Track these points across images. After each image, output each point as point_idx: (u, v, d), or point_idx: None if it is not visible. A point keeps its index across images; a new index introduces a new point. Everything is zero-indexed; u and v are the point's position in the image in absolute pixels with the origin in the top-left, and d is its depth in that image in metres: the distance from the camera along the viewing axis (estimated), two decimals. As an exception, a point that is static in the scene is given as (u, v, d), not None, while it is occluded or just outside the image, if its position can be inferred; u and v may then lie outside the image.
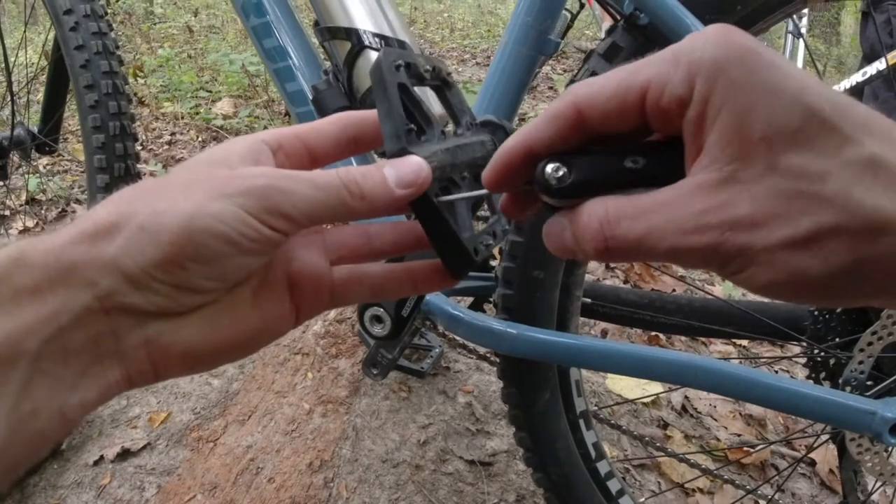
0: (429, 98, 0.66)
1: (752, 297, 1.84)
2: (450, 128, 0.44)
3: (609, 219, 0.25)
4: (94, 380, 0.26)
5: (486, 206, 0.46)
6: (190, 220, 0.26)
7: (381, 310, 0.73)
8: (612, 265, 1.90)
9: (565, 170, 0.27)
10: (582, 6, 2.56)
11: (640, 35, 0.63)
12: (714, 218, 0.23)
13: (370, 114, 0.35)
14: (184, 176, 0.28)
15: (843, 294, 0.23)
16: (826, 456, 1.27)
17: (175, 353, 0.28)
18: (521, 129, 0.29)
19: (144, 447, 1.23)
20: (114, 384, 0.27)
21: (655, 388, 1.39)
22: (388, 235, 0.37)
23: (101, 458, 1.20)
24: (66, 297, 0.25)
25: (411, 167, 0.30)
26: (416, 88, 0.36)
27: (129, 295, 0.26)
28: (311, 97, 0.80)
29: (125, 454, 1.21)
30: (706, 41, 0.24)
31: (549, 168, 0.27)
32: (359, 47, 0.76)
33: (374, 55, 0.76)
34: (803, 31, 3.04)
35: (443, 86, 0.41)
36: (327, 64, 0.83)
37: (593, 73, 0.66)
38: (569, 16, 3.66)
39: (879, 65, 2.03)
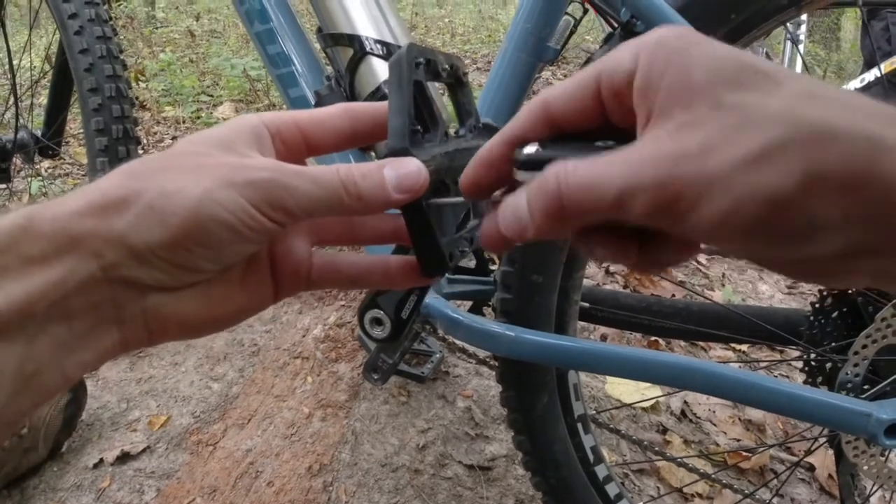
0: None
1: (750, 302, 1.84)
2: (453, 128, 0.44)
3: (567, 169, 0.25)
4: (94, 343, 0.28)
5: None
6: (198, 206, 0.27)
7: (381, 312, 0.74)
8: (611, 271, 1.91)
9: (538, 147, 0.29)
10: (585, 11, 2.58)
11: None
12: (666, 152, 0.23)
13: (370, 107, 0.36)
14: (191, 158, 0.29)
15: (802, 235, 0.22)
16: (825, 461, 1.27)
17: (171, 323, 0.30)
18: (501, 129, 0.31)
19: (144, 450, 1.23)
20: (111, 347, 0.29)
21: (654, 392, 1.40)
22: (369, 225, 0.38)
23: (101, 461, 1.20)
24: (73, 266, 0.26)
25: (411, 172, 0.31)
26: (430, 84, 0.36)
27: (133, 269, 0.27)
28: (313, 102, 0.80)
29: (125, 457, 1.22)
30: (652, 32, 0.26)
31: (525, 148, 0.29)
32: (361, 53, 0.77)
33: (375, 62, 0.77)
34: (802, 37, 3.07)
35: (456, 84, 0.42)
36: (329, 70, 0.84)
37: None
38: (572, 21, 3.68)
39: (878, 71, 2.04)
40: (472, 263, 0.99)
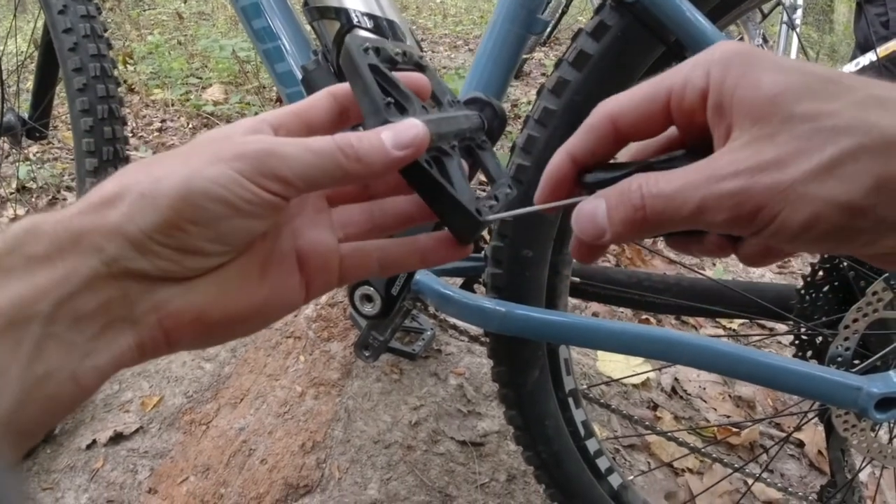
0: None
1: (739, 277, 1.84)
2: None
3: (648, 181, 0.27)
4: (107, 345, 0.27)
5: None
6: (187, 184, 0.27)
7: (371, 289, 0.74)
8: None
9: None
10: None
11: (627, 13, 0.63)
12: (742, 165, 0.24)
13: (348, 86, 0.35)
14: (183, 149, 0.29)
15: (873, 230, 0.24)
16: (814, 437, 1.29)
17: (186, 319, 0.29)
18: (563, 144, 0.32)
19: (137, 431, 1.24)
20: (126, 351, 0.28)
21: (645, 369, 1.40)
22: (391, 211, 0.38)
23: (94, 441, 1.21)
24: (76, 263, 0.26)
25: (409, 128, 0.31)
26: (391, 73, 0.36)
27: (135, 259, 0.27)
28: (300, 77, 0.79)
29: (118, 438, 1.22)
30: (716, 48, 0.27)
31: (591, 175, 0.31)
32: (348, 27, 0.76)
33: (363, 34, 0.76)
34: (798, 21, 3.06)
35: (416, 70, 0.41)
36: (317, 44, 0.83)
37: (581, 52, 0.66)
38: (563, 1, 3.65)
39: (872, 55, 2.04)
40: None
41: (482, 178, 0.46)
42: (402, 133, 0.30)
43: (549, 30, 3.97)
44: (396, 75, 0.36)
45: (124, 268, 0.27)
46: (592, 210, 0.29)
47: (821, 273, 0.76)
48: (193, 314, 0.29)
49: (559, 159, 0.32)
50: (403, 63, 0.39)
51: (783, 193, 0.24)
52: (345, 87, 0.35)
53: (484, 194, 0.39)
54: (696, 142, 0.29)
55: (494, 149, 0.45)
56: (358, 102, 0.32)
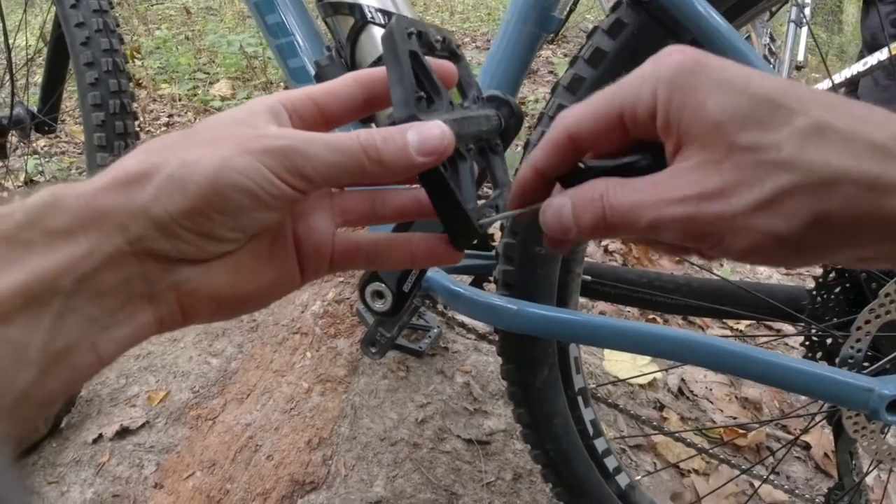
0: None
1: (746, 276, 1.84)
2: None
3: (609, 189, 0.29)
4: (127, 320, 0.28)
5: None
6: (217, 173, 0.27)
7: (383, 285, 0.74)
8: (610, 251, 1.90)
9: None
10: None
11: (643, 11, 0.63)
12: (690, 191, 0.27)
13: (377, 72, 0.35)
14: (208, 133, 0.29)
15: (812, 251, 0.26)
16: (821, 440, 1.28)
17: (202, 297, 0.30)
18: (527, 157, 0.34)
19: (143, 425, 1.24)
20: (146, 325, 0.29)
21: (651, 369, 1.40)
22: (392, 203, 0.38)
23: (100, 436, 1.21)
24: (99, 240, 0.26)
25: (435, 134, 0.30)
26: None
27: (158, 241, 0.27)
28: (313, 73, 0.79)
29: (124, 432, 1.22)
30: (663, 60, 0.29)
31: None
32: (362, 23, 0.76)
33: (376, 30, 0.76)
34: (805, 20, 3.04)
35: (451, 57, 0.41)
36: (329, 40, 0.83)
37: (597, 49, 0.66)
38: (571, -1, 3.63)
39: (880, 55, 2.03)
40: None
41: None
42: (427, 139, 0.30)
43: (556, 28, 3.95)
44: (429, 62, 0.36)
45: (147, 248, 0.27)
46: (559, 209, 0.31)
47: (833, 274, 0.76)
48: (209, 294, 0.30)
49: (525, 172, 0.34)
50: (441, 50, 0.39)
51: (726, 223, 0.26)
52: (371, 73, 0.35)
53: (483, 201, 0.39)
54: (656, 147, 0.30)
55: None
56: (390, 87, 0.32)
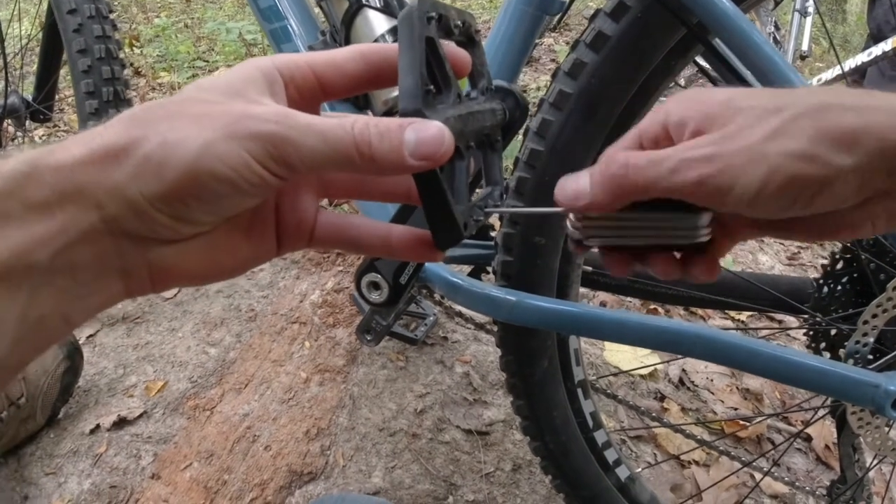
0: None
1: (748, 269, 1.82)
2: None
3: (631, 153, 0.32)
4: (98, 290, 0.28)
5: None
6: (197, 160, 0.26)
7: (379, 276, 0.72)
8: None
9: None
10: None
11: (647, -7, 0.61)
12: (712, 138, 0.30)
13: (385, 48, 0.33)
14: (197, 105, 0.28)
15: (822, 175, 0.28)
16: (822, 432, 1.27)
17: (175, 273, 0.30)
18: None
19: (141, 416, 1.23)
20: (116, 294, 0.29)
21: (653, 360, 1.39)
22: (382, 184, 0.38)
23: (98, 426, 1.20)
24: (75, 215, 0.26)
25: (432, 137, 0.28)
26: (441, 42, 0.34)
27: (132, 221, 0.27)
28: (307, 58, 0.78)
29: (121, 423, 1.21)
30: (671, 99, 0.33)
31: None
32: (357, 6, 0.74)
33: (371, 13, 0.74)
34: (810, 9, 3.01)
35: (468, 43, 0.39)
36: (324, 24, 0.81)
37: (599, 33, 0.64)
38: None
39: (885, 46, 2.01)
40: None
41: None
42: (424, 143, 0.28)
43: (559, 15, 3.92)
44: (444, 48, 0.34)
45: (121, 227, 0.27)
46: (576, 176, 0.33)
47: (840, 263, 0.74)
48: (182, 270, 0.30)
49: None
50: (458, 35, 0.37)
51: (745, 152, 0.28)
52: (380, 50, 0.33)
53: (474, 199, 0.38)
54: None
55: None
56: (399, 73, 0.30)
